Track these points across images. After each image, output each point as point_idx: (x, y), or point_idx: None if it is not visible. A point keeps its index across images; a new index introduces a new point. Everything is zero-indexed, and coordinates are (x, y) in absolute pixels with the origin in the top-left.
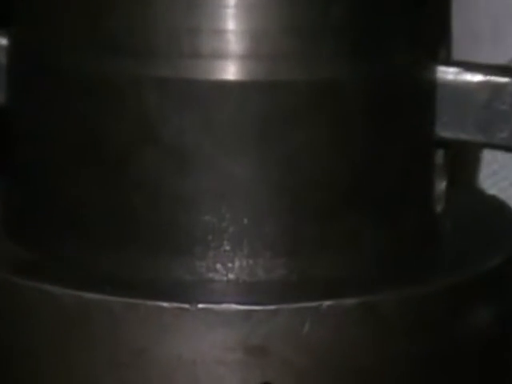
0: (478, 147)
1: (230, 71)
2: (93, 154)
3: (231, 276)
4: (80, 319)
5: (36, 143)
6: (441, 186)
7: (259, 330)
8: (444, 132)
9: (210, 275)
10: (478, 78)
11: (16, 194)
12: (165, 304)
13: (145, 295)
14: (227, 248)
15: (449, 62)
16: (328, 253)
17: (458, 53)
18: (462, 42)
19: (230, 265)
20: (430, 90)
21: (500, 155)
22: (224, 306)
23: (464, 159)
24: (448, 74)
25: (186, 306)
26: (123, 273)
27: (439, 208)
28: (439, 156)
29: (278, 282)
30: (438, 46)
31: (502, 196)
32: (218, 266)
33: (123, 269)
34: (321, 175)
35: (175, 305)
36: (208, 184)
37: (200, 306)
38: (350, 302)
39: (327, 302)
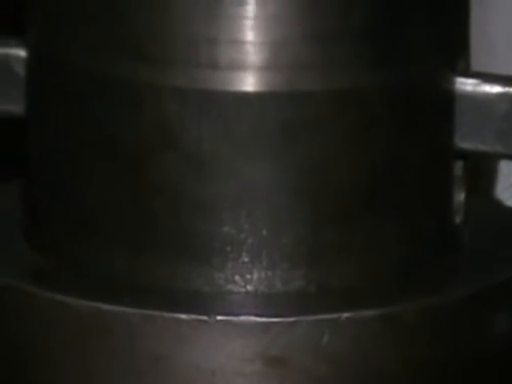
0: (497, 158)
1: (249, 82)
2: (111, 158)
3: (249, 288)
4: (98, 330)
5: (54, 149)
6: (460, 197)
7: (278, 341)
8: (463, 143)
9: (229, 287)
10: (496, 89)
11: (33, 199)
12: (183, 316)
13: (163, 307)
14: (246, 260)
15: (468, 74)
16: (347, 261)
17: (473, 63)
18: (477, 52)
19: (248, 276)
20: (448, 100)
21: None
22: (243, 318)
23: (481, 172)
24: (467, 85)
25: (205, 317)
26: (141, 280)
27: (458, 219)
28: (458, 167)
29: (297, 294)
30: (457, 58)
31: None
32: (237, 277)
33: (141, 276)
34: (340, 183)
35: (193, 317)
36: (227, 192)
37: (218, 317)
38: (368, 313)
39: (346, 314)
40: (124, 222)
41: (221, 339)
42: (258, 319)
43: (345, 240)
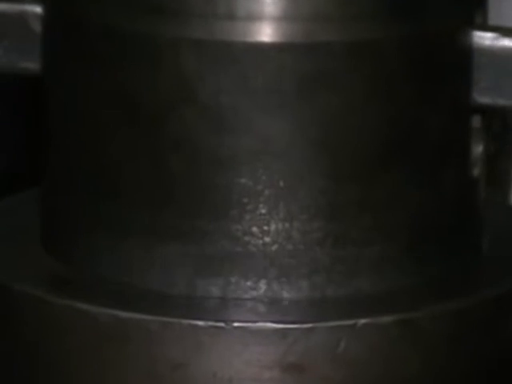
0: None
1: (267, 33)
2: (130, 116)
3: (267, 239)
4: (116, 337)
5: (71, 108)
6: (478, 150)
7: (295, 348)
8: (482, 98)
9: (246, 239)
10: None
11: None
12: (200, 323)
13: (180, 313)
14: (263, 211)
15: (486, 27)
16: (365, 216)
17: None
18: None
19: (265, 228)
20: (466, 54)
21: None
22: (260, 325)
23: (496, 181)
24: (485, 39)
25: (222, 324)
26: (158, 242)
27: (476, 172)
28: (476, 120)
29: (313, 245)
30: (474, 11)
31: None
32: (254, 229)
33: (159, 233)
34: (358, 137)
35: (210, 323)
36: (244, 145)
37: (235, 324)
38: (386, 319)
39: (363, 320)
40: (142, 180)
41: (238, 346)
42: (276, 325)
43: (363, 195)
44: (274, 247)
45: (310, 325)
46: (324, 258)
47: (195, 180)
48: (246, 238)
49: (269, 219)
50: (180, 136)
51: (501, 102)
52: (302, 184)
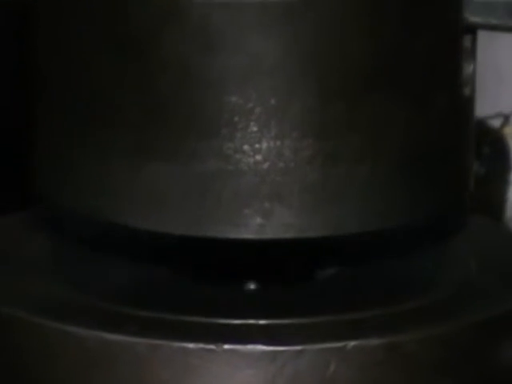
0: (506, 31)
1: None
2: (119, 37)
3: (258, 157)
4: (104, 360)
5: (60, 36)
6: (468, 69)
7: (285, 370)
8: (474, 17)
9: (238, 157)
10: None
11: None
12: (190, 345)
13: (169, 335)
14: (254, 129)
15: None
16: (354, 135)
17: (481, 90)
18: (485, 79)
19: (257, 146)
20: None
21: None
22: (250, 347)
23: (490, 201)
24: None
25: (212, 346)
26: (150, 169)
27: (467, 91)
28: (467, 39)
29: (304, 163)
30: None
31: None
32: (246, 147)
33: (147, 152)
34: (346, 54)
35: (200, 346)
36: (234, 64)
37: (225, 346)
38: (374, 342)
39: (352, 342)
40: (132, 103)
41: (228, 369)
42: (265, 348)
43: (353, 115)
44: (266, 165)
45: (299, 347)
46: (314, 175)
47: (186, 100)
48: (238, 156)
49: (260, 137)
50: (169, 57)
51: (493, 21)
52: (292, 102)
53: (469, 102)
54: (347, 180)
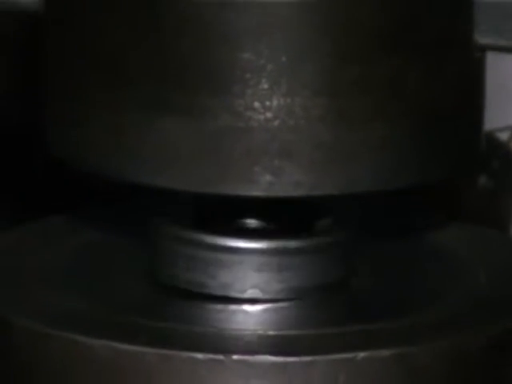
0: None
1: None
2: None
3: (269, 115)
4: (115, 369)
5: None
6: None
7: (295, 381)
8: (483, 39)
9: (248, 114)
10: None
11: None
12: (199, 356)
13: (179, 346)
14: (265, 86)
15: None
16: (368, 97)
17: (489, 112)
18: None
19: (267, 103)
20: None
21: None
22: (259, 358)
23: (497, 210)
24: None
25: (221, 357)
26: (159, 125)
27: (478, 54)
28: None
29: (316, 121)
30: None
31: None
32: (256, 104)
33: (158, 107)
34: (363, 17)
35: (209, 356)
36: (247, 18)
37: (234, 357)
38: (385, 353)
39: (362, 353)
40: (143, 60)
41: (237, 380)
42: (275, 358)
43: (367, 76)
44: (276, 122)
45: (309, 358)
46: (325, 134)
47: (199, 55)
48: (248, 113)
49: (271, 94)
50: (184, 13)
51: (502, 42)
52: (304, 60)
53: (480, 64)
54: (359, 140)
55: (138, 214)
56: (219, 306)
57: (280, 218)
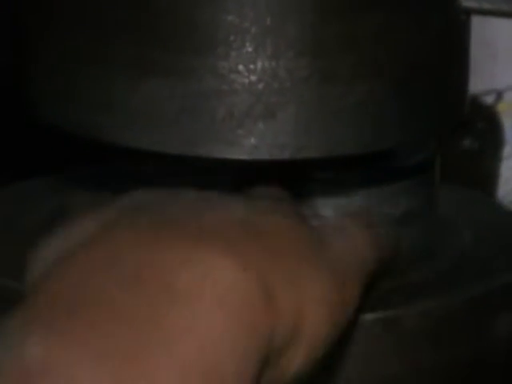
0: (500, 17)
1: None
2: None
3: (253, 78)
4: None
5: None
6: None
7: None
8: (467, 2)
9: (232, 76)
10: None
11: None
12: None
13: None
14: (249, 49)
15: None
16: (352, 52)
17: (475, 70)
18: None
19: (251, 66)
20: None
21: None
22: None
23: (483, 177)
24: None
25: None
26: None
27: (462, 17)
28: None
29: (300, 83)
30: None
31: None
32: (240, 67)
33: (143, 67)
34: None
35: None
36: None
37: None
38: (370, 317)
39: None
40: (128, 18)
41: None
42: None
43: (350, 34)
44: (260, 85)
45: None
46: (310, 95)
47: (182, 16)
48: (232, 76)
49: (255, 57)
50: None
51: (486, 5)
52: (288, 20)
53: (465, 26)
54: (343, 100)
55: (121, 177)
56: None
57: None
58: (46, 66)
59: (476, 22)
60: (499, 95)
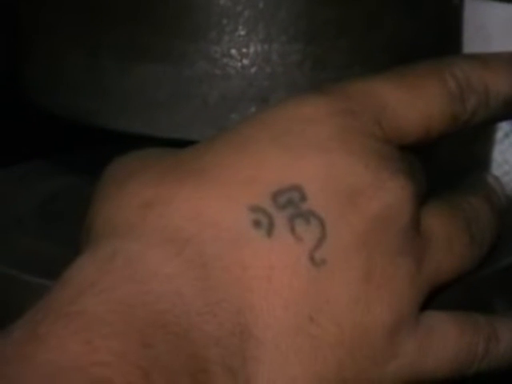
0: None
1: None
2: None
3: (245, 62)
4: None
5: None
6: None
7: None
8: None
9: (225, 61)
10: None
11: None
12: None
13: None
14: (242, 33)
15: None
16: (345, 39)
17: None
18: (473, 43)
19: (244, 50)
20: None
21: (511, 157)
22: None
23: (475, 161)
24: None
25: None
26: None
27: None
28: None
29: (292, 68)
30: None
31: None
32: (233, 51)
33: (135, 51)
34: None
35: None
36: None
37: None
38: None
39: None
40: (123, 6)
41: None
42: None
43: (342, 19)
44: (253, 69)
45: None
46: (302, 80)
47: (173, 0)
48: (225, 60)
49: (248, 41)
50: None
51: None
52: (281, 5)
53: (457, 11)
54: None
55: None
56: None
57: None
58: (38, 51)
59: (469, 6)
60: None
